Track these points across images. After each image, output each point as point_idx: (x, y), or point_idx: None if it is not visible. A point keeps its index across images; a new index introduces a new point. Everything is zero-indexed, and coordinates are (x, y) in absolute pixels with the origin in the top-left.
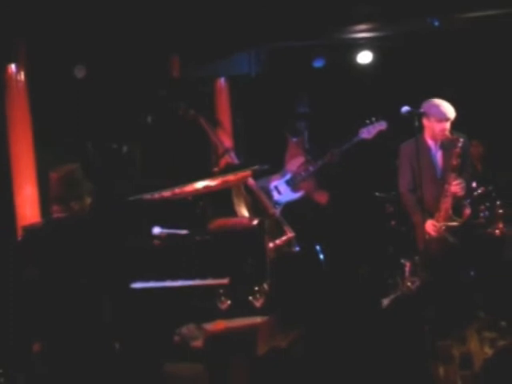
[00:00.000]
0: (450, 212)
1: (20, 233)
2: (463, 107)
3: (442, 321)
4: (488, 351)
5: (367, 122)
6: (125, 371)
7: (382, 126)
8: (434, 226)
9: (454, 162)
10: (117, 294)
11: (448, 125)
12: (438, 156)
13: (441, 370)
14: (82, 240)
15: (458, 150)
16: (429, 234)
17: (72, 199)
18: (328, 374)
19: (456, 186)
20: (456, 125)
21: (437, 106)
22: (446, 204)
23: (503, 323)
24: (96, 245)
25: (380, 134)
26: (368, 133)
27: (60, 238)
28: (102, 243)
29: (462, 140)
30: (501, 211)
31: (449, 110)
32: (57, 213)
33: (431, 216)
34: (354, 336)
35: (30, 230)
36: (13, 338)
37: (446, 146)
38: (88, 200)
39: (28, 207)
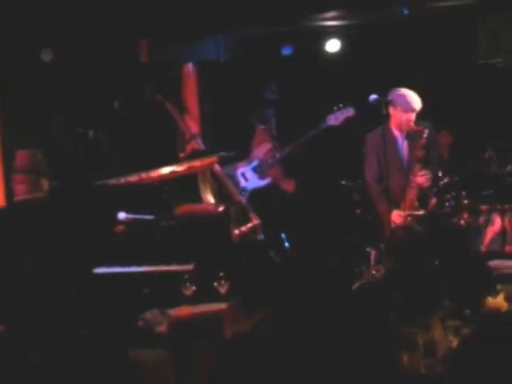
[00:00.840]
0: (416, 202)
1: None
2: (432, 95)
3: (407, 308)
4: (452, 339)
5: (334, 108)
6: (89, 356)
7: (349, 112)
8: (400, 216)
9: (419, 153)
10: (81, 279)
11: (413, 116)
12: (404, 146)
13: (405, 358)
14: (45, 223)
15: (423, 141)
16: (394, 223)
17: (41, 175)
18: (294, 357)
19: (421, 177)
20: (425, 113)
21: (403, 96)
22: (412, 195)
23: (467, 311)
24: (60, 229)
25: (347, 120)
26: (335, 119)
27: (23, 221)
28: (66, 227)
29: (427, 131)
30: (466, 201)
31: (415, 101)
32: (22, 193)
33: (397, 206)
34: (319, 321)
35: None
36: None
37: (412, 136)
38: (47, 184)
39: None
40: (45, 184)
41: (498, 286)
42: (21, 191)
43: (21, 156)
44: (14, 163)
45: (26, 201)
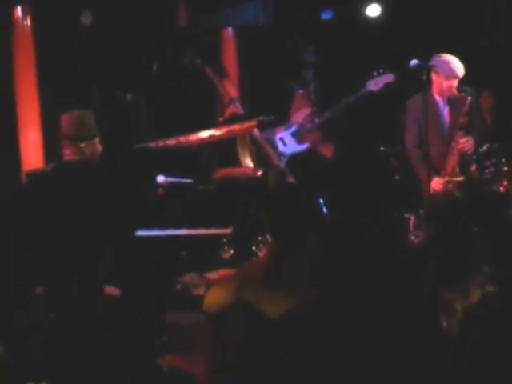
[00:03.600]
0: (457, 169)
1: (24, 178)
2: (474, 57)
3: (446, 274)
4: None
5: (374, 74)
6: (127, 319)
7: (389, 78)
8: (440, 183)
9: (462, 120)
10: (122, 241)
11: (456, 82)
12: (446, 113)
13: (443, 323)
14: (91, 185)
15: (465, 108)
16: (434, 190)
17: (82, 139)
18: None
19: (463, 144)
20: (467, 76)
21: (446, 62)
22: (453, 161)
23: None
24: (105, 191)
25: (387, 86)
26: (375, 85)
27: (69, 182)
28: (111, 190)
29: (469, 98)
30: (506, 168)
31: (458, 68)
32: (68, 156)
33: (437, 173)
34: (360, 287)
35: (36, 175)
36: (14, 282)
37: (454, 103)
38: (99, 147)
39: (32, 152)
40: (88, 147)
41: None
42: (67, 154)
43: (64, 121)
44: (60, 127)
45: (72, 161)
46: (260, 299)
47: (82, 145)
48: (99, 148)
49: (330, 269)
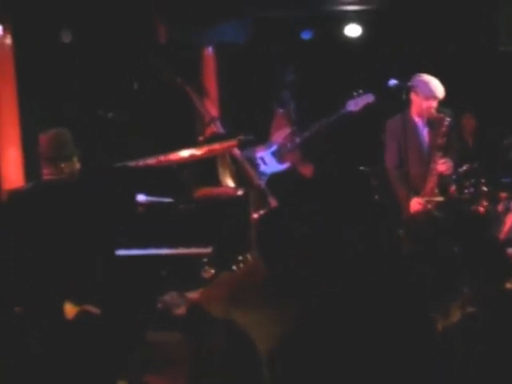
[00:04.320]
0: (436, 190)
1: (4, 196)
2: (456, 79)
3: (426, 295)
4: None
5: (354, 94)
6: (108, 338)
7: (369, 98)
8: (419, 203)
9: (440, 140)
10: (102, 260)
11: (435, 103)
12: (425, 133)
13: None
14: (71, 204)
15: (444, 129)
16: (414, 210)
17: (61, 160)
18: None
19: (442, 165)
20: (447, 99)
21: (426, 83)
22: (432, 182)
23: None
24: (84, 210)
25: (367, 106)
26: (355, 105)
27: (49, 201)
28: (90, 209)
29: (448, 119)
30: (485, 188)
31: (438, 89)
32: (47, 175)
33: (416, 193)
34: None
35: (15, 193)
36: None
37: (433, 123)
38: (78, 165)
39: (12, 170)
40: (67, 166)
41: None
42: (46, 174)
43: (42, 141)
44: (38, 147)
45: (51, 180)
46: (249, 326)
47: (62, 165)
48: (78, 166)
49: (318, 286)
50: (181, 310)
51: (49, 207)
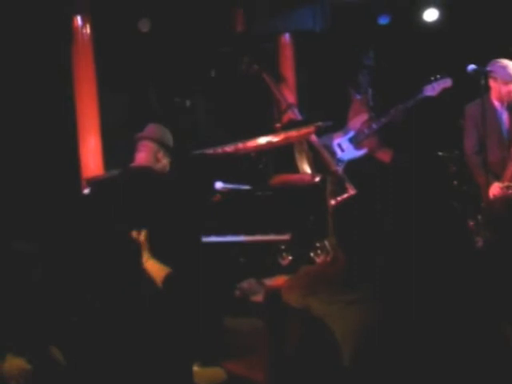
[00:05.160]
0: None
1: (85, 185)
2: None
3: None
4: None
5: (432, 78)
6: (185, 324)
7: (446, 83)
8: (499, 187)
9: None
10: (185, 247)
11: None
12: (505, 118)
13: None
14: (157, 192)
15: None
16: (493, 195)
17: (164, 147)
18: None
19: None
20: None
21: (504, 68)
22: None
23: None
24: (169, 198)
25: (444, 91)
26: (432, 90)
27: (136, 188)
28: (174, 197)
29: None
30: None
31: None
32: (141, 160)
33: (496, 178)
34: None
35: (99, 182)
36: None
37: None
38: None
39: (92, 158)
40: (163, 158)
41: None
42: (140, 158)
43: (151, 127)
44: (142, 132)
45: (141, 168)
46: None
47: (160, 154)
48: (168, 166)
49: (394, 277)
50: (258, 297)
51: (136, 194)
